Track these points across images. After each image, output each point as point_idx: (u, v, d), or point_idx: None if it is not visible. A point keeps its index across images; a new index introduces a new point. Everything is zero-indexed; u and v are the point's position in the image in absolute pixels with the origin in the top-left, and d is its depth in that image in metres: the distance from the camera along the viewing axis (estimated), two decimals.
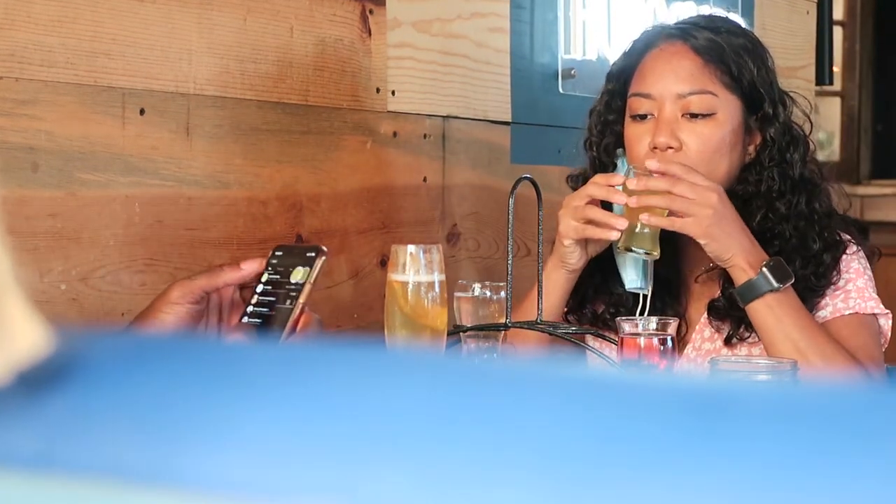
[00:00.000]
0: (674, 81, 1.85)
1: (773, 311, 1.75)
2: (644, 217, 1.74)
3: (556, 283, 1.84)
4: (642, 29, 1.98)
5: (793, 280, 1.77)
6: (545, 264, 1.84)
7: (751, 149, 1.90)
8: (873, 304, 1.86)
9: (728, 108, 1.85)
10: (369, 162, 2.29)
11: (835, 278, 1.86)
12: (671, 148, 1.82)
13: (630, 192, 1.76)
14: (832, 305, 1.85)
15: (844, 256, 1.87)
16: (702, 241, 1.75)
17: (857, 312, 1.85)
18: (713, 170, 1.83)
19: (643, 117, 1.86)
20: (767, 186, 1.86)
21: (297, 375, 0.53)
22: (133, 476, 0.49)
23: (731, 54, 1.86)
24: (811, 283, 1.84)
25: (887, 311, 1.87)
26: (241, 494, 0.47)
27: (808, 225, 1.86)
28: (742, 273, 1.76)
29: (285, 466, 0.48)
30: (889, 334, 1.88)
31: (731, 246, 1.76)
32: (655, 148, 1.82)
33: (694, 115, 1.84)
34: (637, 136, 1.86)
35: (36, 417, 0.52)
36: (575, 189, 1.90)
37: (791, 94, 1.94)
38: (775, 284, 1.75)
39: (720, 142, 1.84)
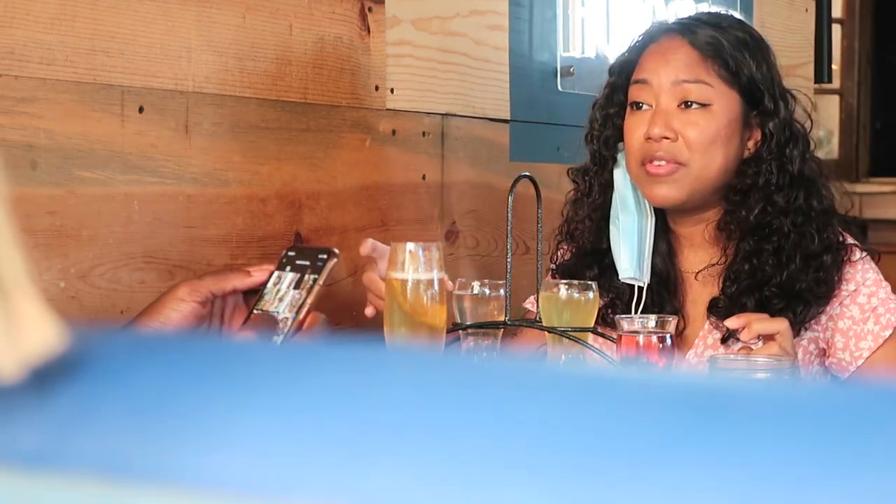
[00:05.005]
0: (671, 70, 1.88)
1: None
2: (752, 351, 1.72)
3: None
4: (645, 26, 2.01)
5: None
6: None
7: (750, 144, 1.91)
8: None
9: (724, 101, 1.87)
10: (368, 160, 2.28)
11: (837, 285, 1.87)
12: (666, 138, 1.84)
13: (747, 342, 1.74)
14: (872, 334, 1.87)
15: (859, 267, 1.88)
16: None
17: (895, 327, 1.87)
18: (710, 161, 1.85)
19: (639, 106, 1.89)
20: (766, 180, 1.87)
21: (298, 374, 0.53)
22: (137, 472, 0.49)
23: (729, 49, 1.88)
24: (814, 291, 1.85)
25: None
26: (245, 491, 0.47)
27: (806, 221, 1.87)
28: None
29: (288, 464, 0.48)
30: None
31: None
32: (650, 139, 1.84)
33: (689, 105, 1.86)
34: (633, 125, 1.89)
35: (46, 413, 0.52)
36: (574, 182, 1.99)
37: (793, 92, 1.96)
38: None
39: (716, 133, 1.86)
